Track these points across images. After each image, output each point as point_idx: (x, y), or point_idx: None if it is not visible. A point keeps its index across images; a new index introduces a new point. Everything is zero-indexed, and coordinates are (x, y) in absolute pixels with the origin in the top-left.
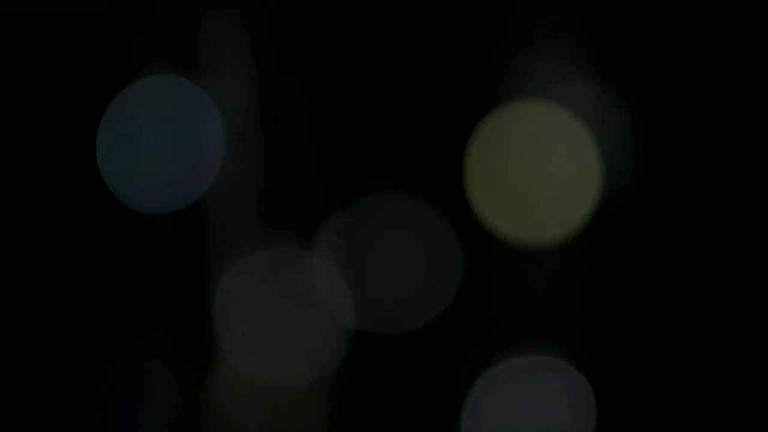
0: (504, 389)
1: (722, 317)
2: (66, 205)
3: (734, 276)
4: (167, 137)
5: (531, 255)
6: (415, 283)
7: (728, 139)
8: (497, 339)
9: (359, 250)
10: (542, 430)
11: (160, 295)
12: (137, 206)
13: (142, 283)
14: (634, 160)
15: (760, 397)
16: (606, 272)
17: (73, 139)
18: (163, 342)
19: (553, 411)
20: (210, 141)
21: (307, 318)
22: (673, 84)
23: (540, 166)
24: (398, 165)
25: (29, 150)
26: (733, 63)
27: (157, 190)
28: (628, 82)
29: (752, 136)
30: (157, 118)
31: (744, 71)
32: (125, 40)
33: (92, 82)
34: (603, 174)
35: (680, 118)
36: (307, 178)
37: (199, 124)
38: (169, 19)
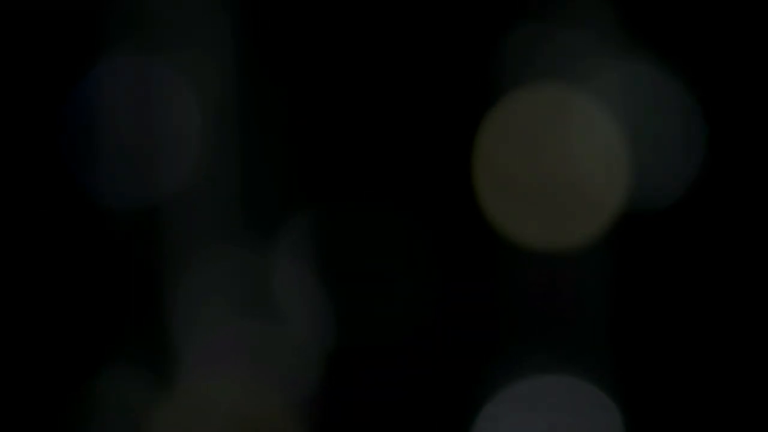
0: (517, 414)
1: None
2: (24, 200)
3: None
4: (137, 127)
5: (546, 262)
6: (413, 292)
7: None
8: (508, 356)
9: (348, 254)
10: None
11: (120, 300)
12: (101, 200)
13: (100, 287)
14: (682, 154)
15: None
16: (639, 284)
17: (31, 128)
18: (122, 353)
19: None
20: (184, 132)
21: (285, 329)
22: (736, 62)
23: (560, 161)
24: (394, 159)
25: None
26: None
27: (124, 183)
28: (678, 60)
29: None
30: (125, 106)
31: None
32: (90, 22)
33: (54, 65)
34: (636, 171)
35: (742, 109)
36: (288, 174)
37: (173, 113)
38: (140, 2)
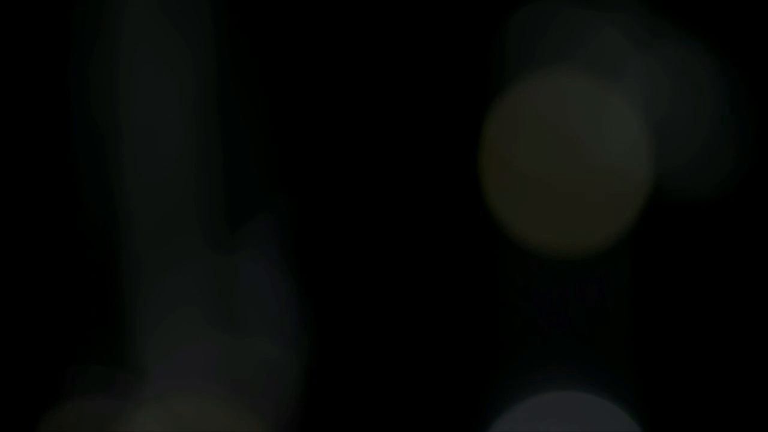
0: None
1: None
2: None
3: None
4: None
5: (559, 267)
6: (409, 300)
7: None
8: (515, 370)
9: (336, 259)
10: None
11: (85, 305)
12: (70, 197)
13: (64, 290)
14: (718, 149)
15: None
16: (662, 291)
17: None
18: (87, 364)
19: None
20: (160, 128)
21: (260, 339)
22: None
23: (575, 155)
24: (389, 154)
25: None
26: None
27: (96, 181)
28: (717, 41)
29: None
30: (104, 98)
31: None
32: (70, 15)
33: (28, 50)
34: (663, 167)
35: None
36: (269, 174)
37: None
38: None
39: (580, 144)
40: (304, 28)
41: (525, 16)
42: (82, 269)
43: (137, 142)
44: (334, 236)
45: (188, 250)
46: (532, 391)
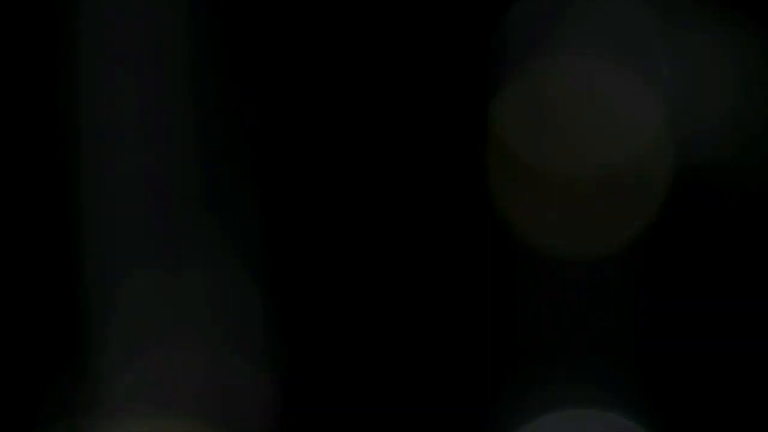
0: None
1: None
2: None
3: None
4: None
5: (572, 271)
6: (407, 308)
7: None
8: (524, 384)
9: (328, 263)
10: None
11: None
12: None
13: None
14: (743, 141)
15: None
16: (683, 298)
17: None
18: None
19: None
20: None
21: (234, 355)
22: None
23: (588, 151)
24: (387, 152)
25: None
26: None
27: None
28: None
29: None
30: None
31: None
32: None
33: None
34: (683, 162)
35: None
36: (261, 166)
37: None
38: None
39: (596, 139)
40: (296, 23)
41: (535, 2)
42: (48, 278)
43: (105, 142)
44: (326, 239)
45: (158, 258)
46: (544, 403)
